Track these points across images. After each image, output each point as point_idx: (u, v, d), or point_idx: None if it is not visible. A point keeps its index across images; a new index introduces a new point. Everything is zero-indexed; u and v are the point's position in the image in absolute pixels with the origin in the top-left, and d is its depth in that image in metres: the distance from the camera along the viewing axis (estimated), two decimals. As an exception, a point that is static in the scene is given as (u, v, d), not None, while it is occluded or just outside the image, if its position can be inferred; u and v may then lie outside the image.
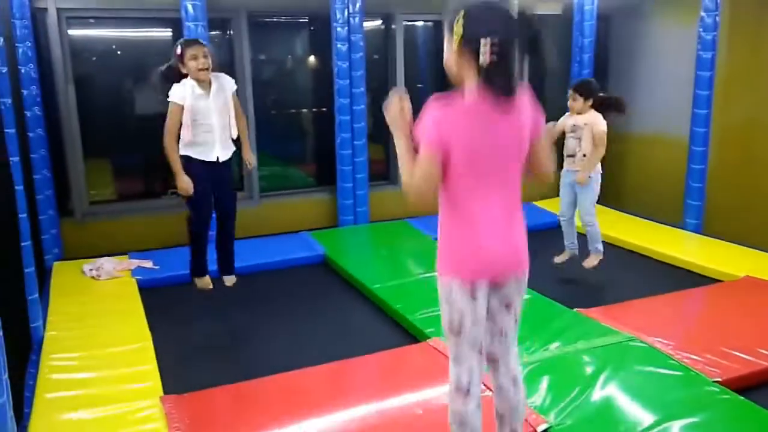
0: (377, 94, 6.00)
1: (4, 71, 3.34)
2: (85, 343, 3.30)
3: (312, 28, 5.94)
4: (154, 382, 2.93)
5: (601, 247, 4.26)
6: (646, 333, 3.28)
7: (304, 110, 6.14)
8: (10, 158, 3.30)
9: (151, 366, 3.08)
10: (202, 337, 3.57)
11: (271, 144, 5.86)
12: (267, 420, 2.61)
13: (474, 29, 1.53)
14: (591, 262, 4.28)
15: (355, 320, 3.86)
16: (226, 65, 5.49)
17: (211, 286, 3.67)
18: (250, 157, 3.75)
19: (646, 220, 5.64)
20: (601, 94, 4.09)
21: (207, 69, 3.35)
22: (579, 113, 4.06)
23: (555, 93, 6.94)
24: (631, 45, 6.50)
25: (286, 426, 2.57)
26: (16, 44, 4.34)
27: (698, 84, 5.20)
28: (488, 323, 1.93)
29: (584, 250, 4.39)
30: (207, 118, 3.39)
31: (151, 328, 3.47)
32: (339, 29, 5.29)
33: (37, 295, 3.51)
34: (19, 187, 3.35)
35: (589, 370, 2.94)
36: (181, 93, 3.33)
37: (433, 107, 1.62)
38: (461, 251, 1.79)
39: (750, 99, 5.46)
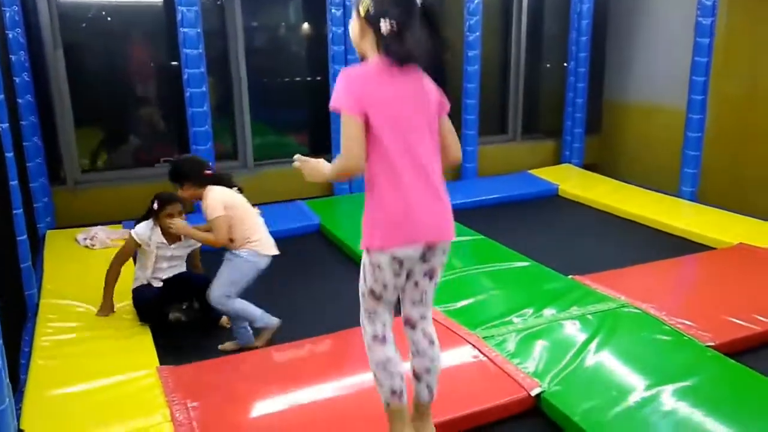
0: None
1: (-10, 35, 3.27)
2: (80, 312, 3.29)
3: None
4: (150, 353, 2.92)
5: (244, 332, 3.05)
6: (640, 299, 3.30)
7: (298, 78, 6.05)
8: (0, 125, 3.25)
9: (146, 337, 3.08)
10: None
11: (265, 112, 5.79)
12: (263, 391, 2.62)
13: (376, 9, 1.74)
14: (226, 346, 3.08)
15: (351, 290, 3.83)
16: (218, 33, 5.41)
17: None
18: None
19: (642, 189, 5.63)
20: (209, 172, 3.08)
21: None
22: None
23: (553, 63, 6.88)
24: (630, 12, 6.41)
25: (282, 396, 2.58)
26: (3, 8, 4.23)
27: (697, 51, 5.15)
28: (409, 290, 1.99)
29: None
30: None
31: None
32: (333, -6, 5.18)
33: (30, 263, 3.50)
34: (9, 154, 3.31)
35: (583, 335, 2.96)
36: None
37: (344, 74, 1.76)
38: (390, 220, 1.82)
39: (748, 66, 5.41)
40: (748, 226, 4.56)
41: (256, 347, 3.04)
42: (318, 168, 1.96)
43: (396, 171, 1.79)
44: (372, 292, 1.94)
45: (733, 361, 2.75)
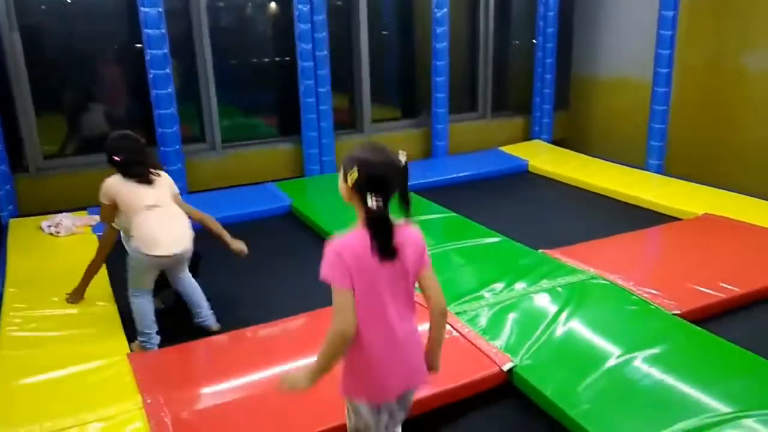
0: (341, 40, 5.85)
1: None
2: (46, 300, 3.22)
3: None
4: (119, 340, 2.88)
5: (144, 339, 2.94)
6: (608, 271, 3.35)
7: (266, 59, 5.95)
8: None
9: (115, 323, 3.03)
10: (167, 293, 3.52)
11: (232, 95, 5.70)
12: (236, 374, 2.60)
13: (363, 182, 1.76)
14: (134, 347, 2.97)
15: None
16: (181, 12, 5.27)
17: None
18: None
19: (610, 163, 5.71)
20: (116, 158, 2.91)
21: None
22: None
23: (522, 39, 6.88)
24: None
25: (255, 377, 2.57)
26: (-48, -10, 4.07)
27: (662, 24, 5.19)
28: (386, 421, 2.03)
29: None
30: None
31: (113, 285, 3.39)
32: (298, -29, 5.09)
33: (-8, 252, 3.41)
34: (-34, 141, 3.21)
35: (553, 308, 3.00)
36: None
37: (331, 248, 1.80)
38: (367, 378, 1.90)
39: (712, 40, 5.48)
40: (712, 196, 4.65)
41: (216, 331, 3.09)
42: (295, 373, 1.90)
43: (374, 332, 1.85)
44: (356, 430, 1.99)
45: (698, 328, 2.82)
